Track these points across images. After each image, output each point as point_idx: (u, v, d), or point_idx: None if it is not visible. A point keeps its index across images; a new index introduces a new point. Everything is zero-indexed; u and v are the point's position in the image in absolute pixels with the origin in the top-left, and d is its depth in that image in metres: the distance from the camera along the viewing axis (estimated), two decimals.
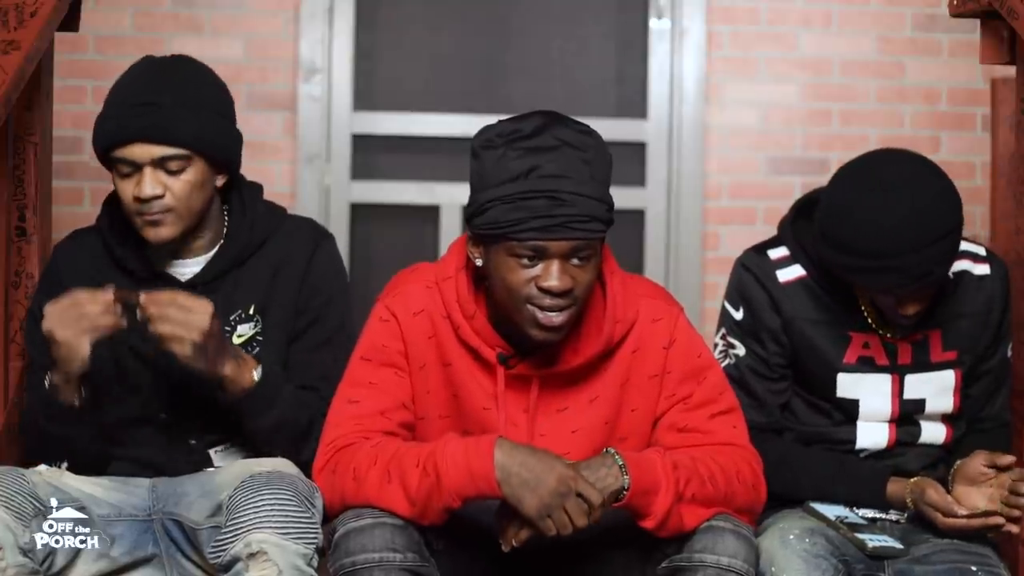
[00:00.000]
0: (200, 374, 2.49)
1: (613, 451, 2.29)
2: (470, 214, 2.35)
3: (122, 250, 2.66)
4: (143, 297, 2.46)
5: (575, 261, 2.31)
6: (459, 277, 2.43)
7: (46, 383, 2.54)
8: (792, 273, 2.73)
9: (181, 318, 2.43)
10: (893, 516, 2.73)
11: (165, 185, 2.54)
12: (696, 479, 2.32)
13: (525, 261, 2.31)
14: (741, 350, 2.75)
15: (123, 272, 2.65)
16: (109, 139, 2.55)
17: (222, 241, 2.67)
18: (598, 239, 2.34)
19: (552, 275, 2.30)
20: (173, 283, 2.63)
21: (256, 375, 2.54)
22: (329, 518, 2.40)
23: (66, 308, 2.46)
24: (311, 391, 2.61)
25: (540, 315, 2.32)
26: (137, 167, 2.54)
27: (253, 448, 2.62)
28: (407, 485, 2.27)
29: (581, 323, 2.43)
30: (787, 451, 2.73)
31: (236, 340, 2.62)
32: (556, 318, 2.32)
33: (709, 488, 2.34)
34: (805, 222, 2.73)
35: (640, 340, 2.46)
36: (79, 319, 2.45)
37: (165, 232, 2.57)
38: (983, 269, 2.76)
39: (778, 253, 2.75)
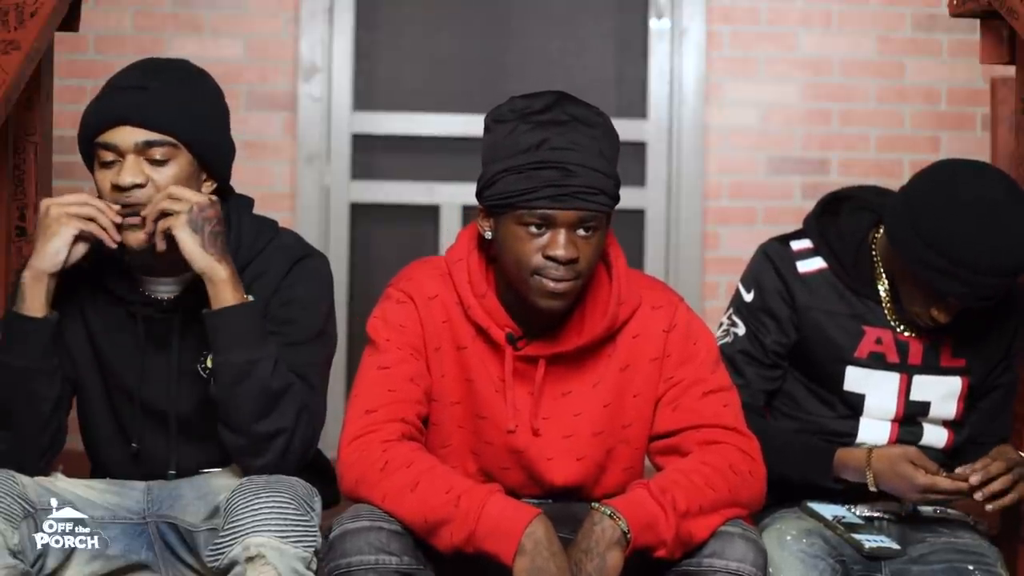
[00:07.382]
0: (200, 262, 2.39)
1: (596, 504, 2.31)
2: (481, 186, 2.41)
3: (103, 268, 2.53)
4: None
5: (581, 232, 2.37)
6: (471, 258, 2.49)
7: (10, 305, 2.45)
8: (812, 265, 2.76)
9: (177, 194, 2.41)
10: (890, 513, 2.74)
11: (147, 176, 2.43)
12: (693, 490, 2.34)
13: (533, 230, 2.36)
14: (742, 329, 2.78)
15: (104, 292, 2.55)
16: (93, 123, 2.47)
17: None
18: (604, 212, 2.39)
19: (559, 244, 2.35)
20: (153, 304, 2.53)
21: (251, 297, 2.45)
22: (340, 486, 2.40)
23: (71, 194, 2.43)
24: None
25: (549, 284, 2.37)
26: (119, 154, 2.44)
27: (216, 411, 2.44)
28: (428, 503, 2.28)
29: (586, 304, 2.49)
30: (755, 427, 2.69)
31: (211, 365, 2.48)
32: (561, 286, 2.37)
33: (710, 493, 2.35)
34: (831, 218, 2.77)
35: (642, 326, 2.51)
36: (78, 205, 2.42)
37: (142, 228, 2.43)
38: None
39: (801, 245, 2.79)
